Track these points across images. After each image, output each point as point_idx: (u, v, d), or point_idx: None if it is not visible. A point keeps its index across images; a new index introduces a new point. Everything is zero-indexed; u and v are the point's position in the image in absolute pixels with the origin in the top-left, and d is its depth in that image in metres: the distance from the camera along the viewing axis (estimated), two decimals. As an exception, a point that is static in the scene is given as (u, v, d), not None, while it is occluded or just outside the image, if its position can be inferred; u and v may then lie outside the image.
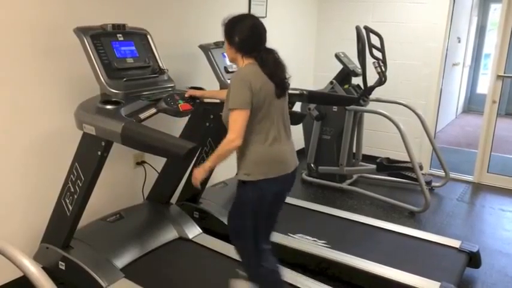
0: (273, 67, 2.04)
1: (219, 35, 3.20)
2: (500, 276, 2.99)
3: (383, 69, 4.16)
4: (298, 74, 4.31)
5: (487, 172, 4.72)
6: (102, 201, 2.93)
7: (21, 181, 2.50)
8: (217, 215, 3.26)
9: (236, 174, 2.11)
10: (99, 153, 2.20)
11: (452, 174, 4.64)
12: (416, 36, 4.77)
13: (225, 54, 3.19)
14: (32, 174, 2.55)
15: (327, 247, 2.97)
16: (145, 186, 3.28)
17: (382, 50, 4.20)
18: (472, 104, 8.82)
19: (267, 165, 2.04)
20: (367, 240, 3.15)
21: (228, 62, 3.17)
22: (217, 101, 2.68)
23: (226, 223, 3.07)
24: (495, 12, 8.34)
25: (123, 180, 3.16)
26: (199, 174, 2.06)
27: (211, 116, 2.91)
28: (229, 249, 2.60)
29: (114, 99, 2.26)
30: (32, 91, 2.49)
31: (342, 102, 3.90)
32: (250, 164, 2.03)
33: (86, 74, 2.43)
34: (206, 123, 2.95)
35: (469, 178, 4.80)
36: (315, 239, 3.07)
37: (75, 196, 2.31)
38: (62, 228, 2.42)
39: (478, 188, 4.68)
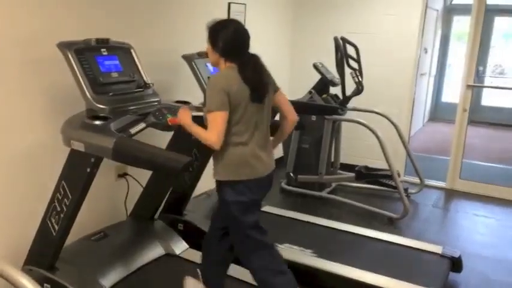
0: (251, 72, 2.08)
1: (201, 46, 3.25)
2: (482, 279, 3.09)
3: (360, 79, 4.27)
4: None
5: (459, 178, 4.88)
6: (83, 217, 2.79)
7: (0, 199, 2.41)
8: (202, 226, 3.22)
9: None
10: (88, 170, 2.14)
11: (426, 181, 4.77)
12: (389, 46, 4.91)
13: (208, 61, 3.23)
14: (14, 192, 2.47)
15: (314, 256, 2.99)
16: (128, 199, 3.21)
17: (358, 60, 4.31)
18: (438, 112, 9.12)
19: (237, 166, 2.08)
20: (353, 248, 3.19)
21: (212, 72, 3.17)
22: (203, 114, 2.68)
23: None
24: (458, 23, 8.71)
25: (104, 194, 3.08)
26: (182, 116, 2.18)
27: (197, 130, 2.88)
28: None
29: (102, 115, 2.21)
30: (15, 102, 2.42)
31: (324, 111, 3.96)
32: (223, 165, 2.09)
33: (70, 86, 2.38)
34: (192, 136, 2.91)
35: (442, 184, 4.95)
36: (302, 249, 3.09)
37: (62, 215, 2.24)
38: (46, 249, 2.33)
39: (451, 194, 4.83)
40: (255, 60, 2.11)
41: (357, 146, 5.18)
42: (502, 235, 3.87)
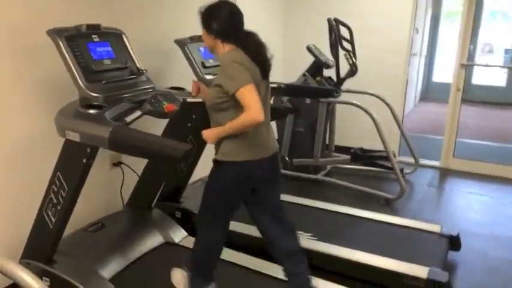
0: (255, 49, 2.03)
1: (193, 30, 3.17)
2: (480, 257, 3.11)
3: (354, 60, 4.23)
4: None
5: (453, 157, 4.90)
6: (79, 208, 2.74)
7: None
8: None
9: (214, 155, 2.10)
10: (85, 160, 2.09)
11: (420, 161, 4.77)
12: (383, 27, 4.86)
13: (203, 45, 3.15)
14: (8, 184, 2.42)
15: (315, 240, 2.99)
16: (124, 189, 3.17)
17: (351, 41, 4.27)
18: (429, 92, 9.14)
19: (245, 147, 2.03)
20: (352, 230, 3.20)
21: (205, 57, 3.12)
22: (200, 100, 2.63)
23: None
24: (448, 2, 8.67)
25: (99, 183, 3.03)
26: (211, 136, 2.04)
27: (194, 116, 2.84)
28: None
29: (96, 103, 2.15)
30: (7, 92, 2.36)
31: (319, 94, 3.92)
32: (228, 144, 2.02)
33: (63, 74, 2.30)
34: (188, 123, 2.87)
35: (436, 164, 4.97)
36: (302, 233, 3.07)
37: (59, 207, 2.19)
38: (44, 242, 2.29)
39: (445, 173, 4.86)
40: (255, 37, 2.06)
41: (351, 128, 5.17)
42: (496, 212, 3.90)
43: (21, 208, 2.48)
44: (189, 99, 2.55)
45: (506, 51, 9.05)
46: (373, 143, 4.64)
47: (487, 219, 3.76)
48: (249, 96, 1.89)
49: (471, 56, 7.80)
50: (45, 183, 2.28)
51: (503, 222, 3.70)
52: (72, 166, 2.13)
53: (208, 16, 2.06)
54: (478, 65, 8.33)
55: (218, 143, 2.06)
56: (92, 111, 2.08)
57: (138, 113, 2.19)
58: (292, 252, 2.25)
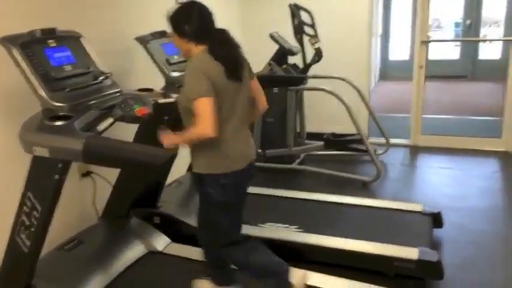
0: (219, 48, 1.94)
1: (153, 26, 3.03)
2: (463, 231, 3.17)
3: (318, 45, 4.19)
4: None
5: (421, 134, 4.98)
6: (50, 226, 2.62)
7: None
8: (180, 216, 3.08)
9: (190, 169, 2.01)
10: (57, 177, 1.92)
11: (391, 140, 4.82)
12: (343, 10, 4.83)
13: (163, 41, 3.03)
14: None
15: (300, 232, 2.94)
16: (96, 199, 3.00)
17: (313, 26, 4.22)
18: (387, 71, 9.28)
19: (224, 157, 1.96)
20: (335, 218, 3.17)
21: (169, 53, 2.99)
22: (172, 100, 2.51)
23: (189, 223, 2.98)
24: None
25: (69, 197, 2.79)
26: (169, 140, 1.94)
27: (165, 117, 2.69)
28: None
29: (62, 114, 1.98)
30: None
31: (291, 82, 3.86)
32: (206, 156, 1.95)
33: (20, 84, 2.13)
34: (160, 125, 2.72)
35: (405, 142, 5.04)
36: (287, 226, 3.02)
37: (32, 229, 2.01)
38: (20, 269, 2.11)
39: (415, 151, 4.94)
40: (224, 35, 1.98)
41: (318, 113, 5.13)
42: (468, 184, 3.99)
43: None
44: (161, 101, 2.43)
45: (457, 24, 9.32)
46: (342, 127, 4.66)
47: (461, 192, 3.84)
48: (201, 110, 1.81)
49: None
50: (12, 205, 2.10)
51: (476, 194, 3.78)
52: (44, 184, 1.96)
53: (178, 20, 1.98)
54: (440, 40, 8.51)
55: (195, 154, 1.99)
56: (59, 122, 1.92)
57: (109, 120, 2.04)
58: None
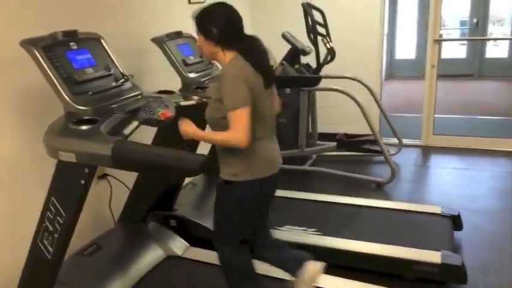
0: (257, 57, 1.90)
1: (168, 27, 2.99)
2: (482, 233, 3.14)
3: (331, 45, 4.15)
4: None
5: (433, 134, 4.94)
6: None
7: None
8: (196, 219, 3.05)
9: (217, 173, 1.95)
10: (83, 182, 1.89)
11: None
12: (354, 9, 4.79)
13: (180, 42, 3.00)
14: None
15: (319, 235, 2.91)
16: (113, 202, 2.97)
17: (325, 25, 4.18)
18: (394, 70, 9.23)
19: (256, 165, 1.91)
20: (354, 220, 3.14)
21: (186, 54, 2.97)
22: (193, 103, 2.48)
23: (206, 226, 2.95)
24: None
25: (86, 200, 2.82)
26: (188, 128, 1.90)
27: (185, 120, 2.66)
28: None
29: (87, 118, 1.95)
30: None
31: (309, 83, 3.81)
32: (238, 163, 1.88)
33: (41, 87, 2.11)
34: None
35: (417, 142, 5.00)
36: (305, 228, 2.99)
37: (56, 235, 1.98)
38: (42, 275, 2.07)
39: (427, 151, 4.90)
40: (258, 43, 1.92)
41: (329, 114, 5.09)
42: (483, 185, 3.96)
43: (6, 240, 2.25)
44: (183, 103, 2.40)
45: (462, 23, 9.26)
46: (353, 127, 4.62)
47: (477, 193, 3.80)
48: (241, 120, 1.75)
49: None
50: (34, 210, 2.07)
51: (492, 195, 3.76)
52: (69, 189, 1.93)
53: (205, 21, 1.89)
54: (453, 39, 8.43)
55: (225, 161, 1.91)
56: (84, 127, 1.88)
57: (135, 123, 2.01)
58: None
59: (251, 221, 2.06)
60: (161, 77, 3.03)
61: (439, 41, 4.63)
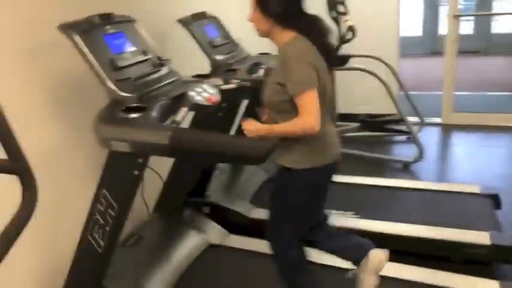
0: (321, 38, 1.77)
1: (192, 8, 2.87)
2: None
3: (351, 22, 4.03)
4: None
5: (453, 112, 4.87)
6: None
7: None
8: (229, 205, 3.00)
9: (275, 159, 1.82)
10: (136, 172, 1.80)
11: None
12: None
13: (205, 23, 2.89)
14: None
15: (358, 218, 2.85)
16: (145, 190, 2.88)
17: (343, 3, 4.06)
18: (403, 48, 9.10)
19: (319, 151, 1.79)
20: (391, 202, 3.08)
21: (212, 35, 2.87)
22: (234, 86, 2.38)
23: (239, 211, 2.88)
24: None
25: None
26: (253, 133, 1.73)
27: (224, 105, 2.56)
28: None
29: (135, 105, 1.85)
30: (20, 98, 2.00)
31: (337, 62, 3.70)
32: (300, 149, 1.76)
33: (75, 72, 2.06)
34: (218, 112, 2.60)
35: (438, 120, 4.93)
36: (342, 212, 2.93)
37: (107, 228, 1.89)
38: (92, 269, 2.00)
39: (449, 129, 4.83)
40: (321, 23, 1.79)
41: (347, 93, 4.99)
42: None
43: (51, 232, 2.16)
44: (224, 87, 2.30)
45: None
46: (371, 107, 4.54)
47: (508, 170, 3.73)
48: (311, 104, 1.64)
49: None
50: (76, 200, 1.98)
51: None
52: (121, 181, 1.84)
53: None
54: (470, 15, 8.30)
55: (286, 147, 1.77)
56: (135, 115, 1.78)
57: (184, 109, 1.90)
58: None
59: (312, 211, 1.96)
60: (186, 60, 2.92)
61: (458, 16, 4.52)
